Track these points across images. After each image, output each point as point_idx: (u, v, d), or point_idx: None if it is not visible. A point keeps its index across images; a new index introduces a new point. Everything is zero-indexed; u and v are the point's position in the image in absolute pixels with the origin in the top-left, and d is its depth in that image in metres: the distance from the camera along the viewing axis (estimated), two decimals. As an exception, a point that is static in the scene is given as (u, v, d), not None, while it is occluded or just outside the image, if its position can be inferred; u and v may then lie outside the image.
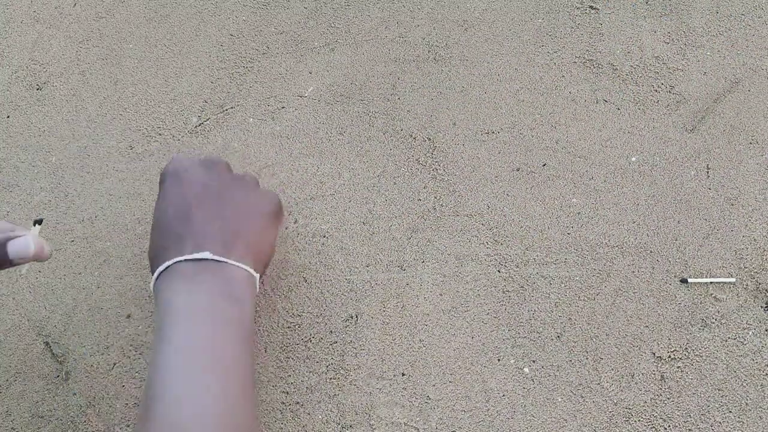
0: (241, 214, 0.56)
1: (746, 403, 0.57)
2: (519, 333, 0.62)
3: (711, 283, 0.62)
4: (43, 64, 0.87)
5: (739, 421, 0.56)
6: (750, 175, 0.67)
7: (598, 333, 0.61)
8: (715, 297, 0.62)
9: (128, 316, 0.67)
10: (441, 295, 0.65)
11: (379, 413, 0.60)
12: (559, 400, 0.59)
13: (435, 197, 0.70)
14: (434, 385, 0.60)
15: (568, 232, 0.67)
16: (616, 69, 0.76)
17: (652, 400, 0.58)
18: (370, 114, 0.76)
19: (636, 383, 0.59)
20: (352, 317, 0.65)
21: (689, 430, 0.56)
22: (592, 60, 0.77)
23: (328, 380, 0.62)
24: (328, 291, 0.66)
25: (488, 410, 0.59)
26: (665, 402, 0.58)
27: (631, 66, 0.76)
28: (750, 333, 0.60)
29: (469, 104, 0.75)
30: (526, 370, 0.60)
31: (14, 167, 0.79)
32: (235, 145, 0.76)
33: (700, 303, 0.62)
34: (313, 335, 0.64)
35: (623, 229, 0.66)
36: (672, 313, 0.61)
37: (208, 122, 0.79)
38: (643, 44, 0.77)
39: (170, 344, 0.46)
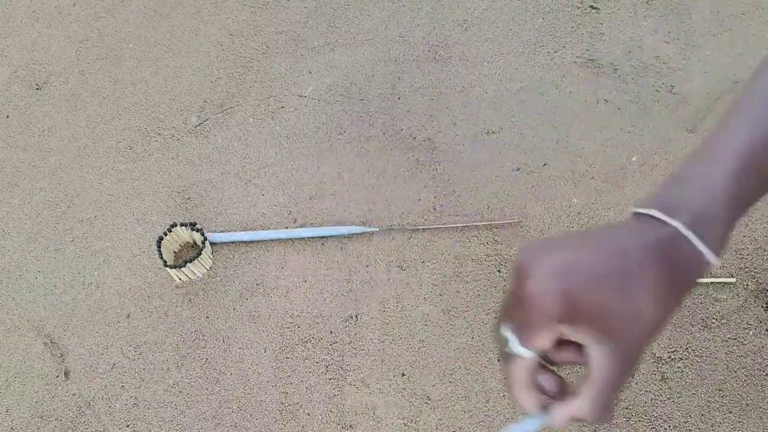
0: None
1: (746, 403, 0.57)
2: (519, 333, 0.62)
3: (711, 283, 0.62)
4: (43, 63, 0.86)
5: (739, 421, 0.56)
6: (750, 175, 0.67)
7: (598, 333, 0.61)
8: (715, 297, 0.62)
9: (128, 316, 0.67)
10: (441, 295, 0.65)
11: (379, 413, 0.60)
12: (559, 400, 0.59)
13: (435, 197, 0.70)
14: (434, 385, 0.60)
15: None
16: (617, 69, 0.76)
17: (652, 400, 0.58)
18: (370, 114, 0.76)
19: (636, 383, 0.59)
20: (352, 317, 0.64)
21: (689, 430, 0.56)
22: (592, 60, 0.76)
23: (327, 380, 0.62)
24: (327, 291, 0.66)
25: (488, 410, 0.59)
26: (665, 402, 0.58)
27: (632, 66, 0.76)
28: (750, 333, 0.60)
29: (469, 104, 0.75)
30: (526, 370, 0.60)
31: (14, 167, 0.79)
32: (235, 144, 0.76)
33: (700, 303, 0.62)
34: (312, 335, 0.64)
35: (623, 229, 0.66)
36: (672, 313, 0.61)
37: (207, 122, 0.79)
38: (644, 44, 0.76)
39: None
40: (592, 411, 0.43)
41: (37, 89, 0.84)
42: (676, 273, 0.42)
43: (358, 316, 0.64)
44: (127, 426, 0.61)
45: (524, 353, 0.42)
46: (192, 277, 0.67)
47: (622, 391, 0.47)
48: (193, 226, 0.67)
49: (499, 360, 0.50)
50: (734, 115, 0.46)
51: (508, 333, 0.42)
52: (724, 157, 0.44)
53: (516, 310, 0.43)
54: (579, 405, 0.43)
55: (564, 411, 0.44)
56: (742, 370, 0.58)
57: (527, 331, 0.42)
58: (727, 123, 0.46)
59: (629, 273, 0.41)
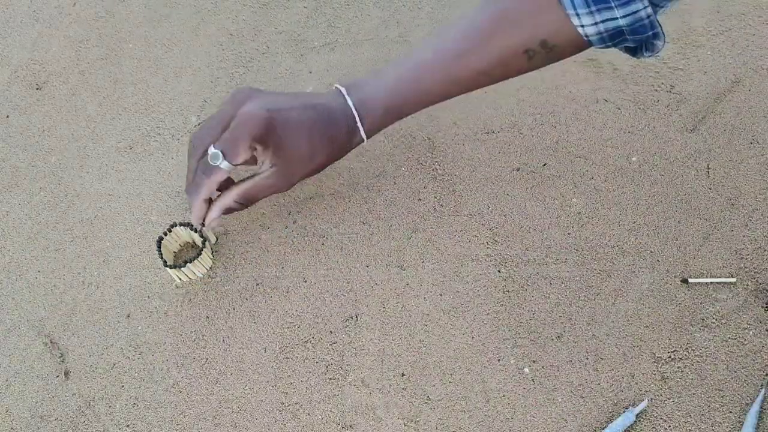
0: None
1: (746, 403, 0.57)
2: (519, 333, 0.62)
3: (711, 283, 0.62)
4: (43, 63, 0.86)
5: (739, 421, 0.56)
6: (750, 175, 0.67)
7: (598, 333, 0.61)
8: (715, 297, 0.62)
9: (128, 316, 0.67)
10: (441, 295, 0.65)
11: (379, 413, 0.60)
12: (559, 400, 0.59)
13: (435, 197, 0.70)
14: (434, 385, 0.60)
15: (568, 232, 0.66)
16: (617, 68, 0.76)
17: (652, 400, 0.58)
18: (370, 114, 0.76)
19: (636, 383, 0.59)
20: (351, 317, 0.64)
21: (689, 430, 0.56)
22: (592, 59, 0.76)
23: (327, 380, 0.62)
24: (327, 291, 0.66)
25: (488, 410, 0.59)
26: (665, 402, 0.58)
27: (632, 65, 0.76)
28: (750, 333, 0.60)
29: (469, 104, 0.75)
30: (526, 370, 0.60)
31: (14, 167, 0.79)
32: (235, 145, 0.76)
33: (700, 303, 0.62)
34: (312, 335, 0.64)
35: (623, 229, 0.66)
36: (672, 313, 0.61)
37: (207, 122, 0.78)
38: (643, 44, 0.76)
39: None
40: (239, 197, 0.61)
41: (37, 89, 0.84)
42: (342, 137, 0.60)
43: (358, 316, 0.64)
44: (127, 426, 0.61)
45: (227, 167, 0.58)
46: (192, 277, 0.67)
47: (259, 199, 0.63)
48: (191, 226, 0.67)
49: (199, 172, 0.60)
50: (434, 37, 0.61)
51: (217, 150, 0.57)
52: (404, 68, 0.60)
53: (224, 132, 0.57)
54: (233, 192, 0.61)
55: (221, 200, 0.62)
56: (742, 370, 0.58)
57: (233, 150, 0.56)
58: (426, 42, 0.61)
59: (314, 124, 0.58)
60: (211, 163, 0.57)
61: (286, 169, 0.59)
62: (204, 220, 0.63)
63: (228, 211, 0.62)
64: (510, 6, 0.55)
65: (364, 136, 0.61)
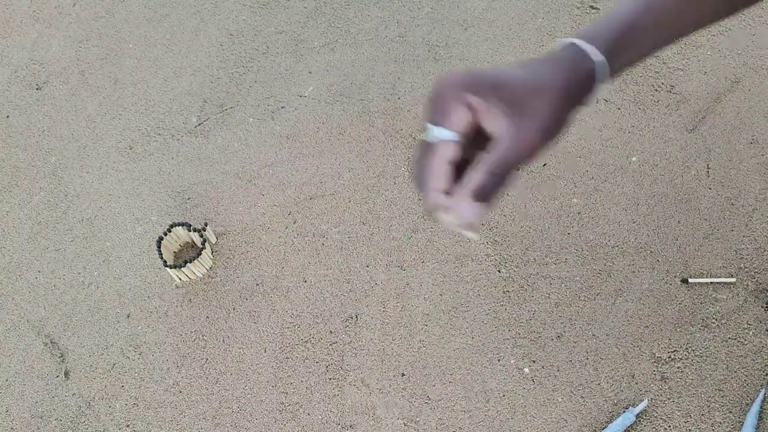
0: None
1: (746, 403, 0.57)
2: (519, 333, 0.62)
3: (711, 283, 0.62)
4: (43, 63, 0.86)
5: (739, 421, 0.56)
6: (750, 175, 0.67)
7: (598, 333, 0.61)
8: (715, 297, 0.62)
9: (128, 316, 0.67)
10: (441, 295, 0.65)
11: (379, 413, 0.60)
12: (559, 400, 0.59)
13: (435, 197, 0.70)
14: (434, 385, 0.60)
15: (568, 232, 0.66)
16: (616, 69, 0.76)
17: (652, 400, 0.58)
18: (370, 114, 0.76)
19: (636, 383, 0.59)
20: (351, 317, 0.64)
21: (689, 430, 0.56)
22: (592, 60, 0.76)
23: (327, 380, 0.62)
24: (327, 291, 0.66)
25: (488, 410, 0.59)
26: (665, 402, 0.58)
27: (631, 66, 0.76)
28: (750, 333, 0.60)
29: (469, 104, 0.75)
30: (526, 370, 0.60)
31: (14, 167, 0.79)
32: (235, 145, 0.76)
33: (700, 303, 0.62)
34: (312, 335, 0.64)
35: (623, 229, 0.66)
36: (672, 313, 0.61)
37: (207, 122, 0.79)
38: (643, 44, 0.76)
39: None
40: (483, 181, 0.44)
41: (37, 89, 0.84)
42: (575, 91, 0.46)
43: (358, 316, 0.64)
44: (127, 426, 0.61)
45: (448, 135, 0.44)
46: (192, 277, 0.67)
47: (510, 182, 0.44)
48: (189, 226, 0.67)
49: (420, 157, 0.44)
50: None
51: (428, 126, 0.43)
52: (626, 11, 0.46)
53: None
54: (473, 178, 0.44)
55: (462, 192, 0.44)
56: (742, 370, 0.58)
57: (441, 109, 0.44)
58: None
59: (526, 67, 0.44)
60: (428, 140, 0.45)
61: (522, 120, 0.46)
62: (461, 222, 0.52)
63: (482, 193, 0.51)
64: None
65: (601, 87, 0.49)
